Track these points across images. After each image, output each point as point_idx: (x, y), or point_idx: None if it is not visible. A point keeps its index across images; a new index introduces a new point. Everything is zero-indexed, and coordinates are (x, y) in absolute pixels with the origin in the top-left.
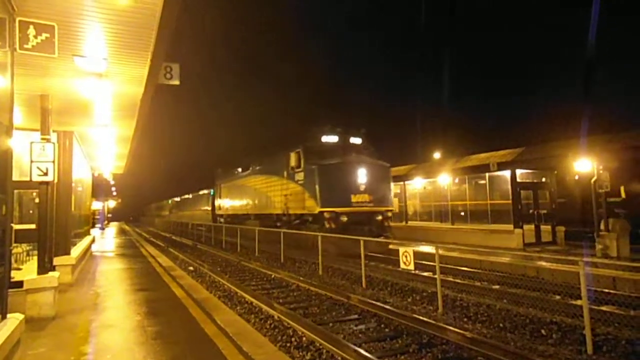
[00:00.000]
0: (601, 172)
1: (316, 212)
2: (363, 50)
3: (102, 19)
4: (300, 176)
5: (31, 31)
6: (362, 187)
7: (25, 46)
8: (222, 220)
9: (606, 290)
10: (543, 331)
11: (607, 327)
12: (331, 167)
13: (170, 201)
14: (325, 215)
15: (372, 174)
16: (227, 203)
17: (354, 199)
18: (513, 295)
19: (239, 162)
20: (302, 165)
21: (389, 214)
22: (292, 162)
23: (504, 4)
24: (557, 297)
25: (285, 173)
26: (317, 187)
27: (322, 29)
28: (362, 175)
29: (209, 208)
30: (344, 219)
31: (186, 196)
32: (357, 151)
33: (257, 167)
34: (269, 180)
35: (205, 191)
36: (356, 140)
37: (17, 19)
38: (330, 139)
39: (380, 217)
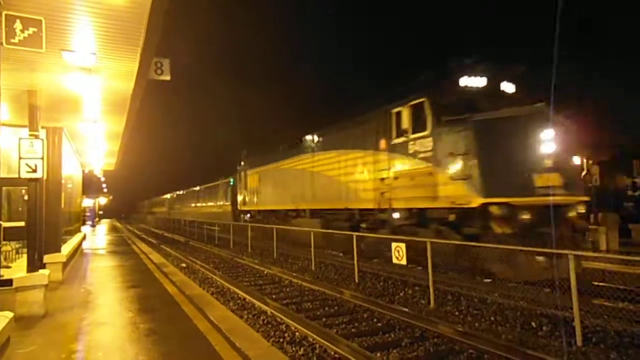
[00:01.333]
0: (591, 166)
1: (473, 205)
2: (362, 49)
3: (90, 12)
4: (422, 145)
5: (18, 25)
6: (549, 162)
7: (12, 41)
8: (247, 218)
9: (595, 283)
10: (533, 324)
11: (596, 319)
12: (501, 125)
13: (169, 196)
14: (493, 211)
15: (558, 140)
16: (258, 195)
17: (538, 181)
18: (504, 288)
19: (282, 138)
20: (428, 126)
21: (582, 207)
22: (404, 122)
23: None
24: (547, 289)
25: (382, 143)
26: (474, 161)
27: (320, 28)
28: (548, 141)
29: (227, 202)
30: (526, 216)
31: (192, 189)
32: (510, 104)
33: (318, 140)
34: (342, 157)
35: (220, 181)
36: (509, 88)
37: (4, 13)
38: (474, 82)
39: (573, 213)
